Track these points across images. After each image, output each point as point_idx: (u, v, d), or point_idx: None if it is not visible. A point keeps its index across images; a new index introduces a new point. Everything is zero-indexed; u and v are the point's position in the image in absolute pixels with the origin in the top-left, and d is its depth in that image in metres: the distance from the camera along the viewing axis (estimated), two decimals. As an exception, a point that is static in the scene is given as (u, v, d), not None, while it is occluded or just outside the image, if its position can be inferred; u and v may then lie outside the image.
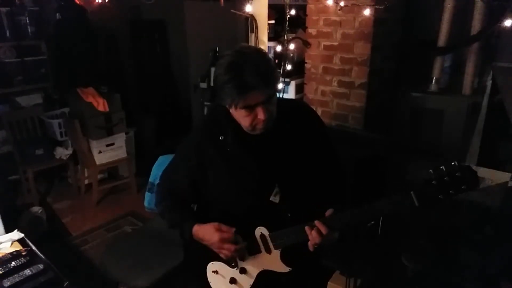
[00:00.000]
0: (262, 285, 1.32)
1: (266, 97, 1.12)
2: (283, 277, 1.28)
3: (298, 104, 1.46)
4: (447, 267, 2.00)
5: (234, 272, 1.33)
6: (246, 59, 1.11)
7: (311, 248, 1.19)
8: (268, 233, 1.26)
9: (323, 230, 1.15)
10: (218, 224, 1.26)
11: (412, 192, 1.05)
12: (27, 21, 4.27)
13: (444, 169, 1.03)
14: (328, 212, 1.19)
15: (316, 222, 1.16)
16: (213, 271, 1.37)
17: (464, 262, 2.00)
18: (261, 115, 1.13)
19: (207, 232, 1.27)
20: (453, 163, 1.02)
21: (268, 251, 1.28)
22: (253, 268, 1.31)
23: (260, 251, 1.29)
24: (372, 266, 2.08)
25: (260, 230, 1.27)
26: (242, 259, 1.32)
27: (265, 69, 1.11)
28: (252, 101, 1.12)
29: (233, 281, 1.33)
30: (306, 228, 1.17)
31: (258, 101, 1.12)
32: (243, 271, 1.32)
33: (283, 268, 1.27)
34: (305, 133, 1.29)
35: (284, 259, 1.27)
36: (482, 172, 2.27)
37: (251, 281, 1.31)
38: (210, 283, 1.38)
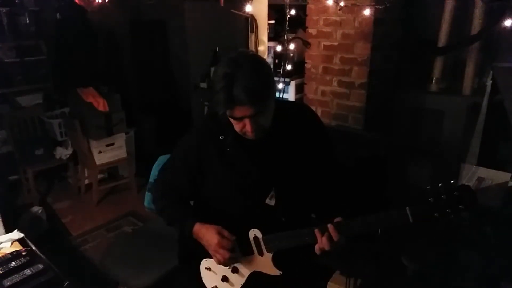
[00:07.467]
0: (253, 286, 1.32)
1: (253, 112, 1.10)
2: (274, 279, 1.27)
3: (299, 106, 1.45)
4: (447, 267, 2.00)
5: (226, 271, 1.34)
6: (239, 71, 1.08)
7: (317, 252, 1.18)
8: (261, 235, 1.26)
9: (335, 236, 1.13)
10: (220, 228, 1.26)
11: (407, 208, 1.06)
12: (27, 21, 4.28)
13: (442, 187, 1.03)
14: (337, 219, 1.17)
15: (329, 226, 1.14)
16: (206, 268, 1.38)
17: (464, 262, 2.00)
18: (248, 127, 1.14)
19: (207, 233, 1.28)
20: (452, 181, 1.03)
21: (261, 253, 1.28)
22: (245, 268, 1.32)
23: (252, 253, 1.29)
24: (372, 266, 2.07)
25: (254, 232, 1.27)
26: (235, 261, 1.32)
27: (256, 86, 1.08)
28: (238, 114, 1.11)
29: (224, 279, 1.34)
30: (316, 231, 1.16)
31: (245, 114, 1.11)
32: (235, 270, 1.33)
33: (274, 271, 1.27)
34: (305, 136, 1.28)
35: (276, 262, 1.27)
36: (482, 172, 2.27)
37: (243, 280, 1.32)
38: (203, 279, 1.39)
